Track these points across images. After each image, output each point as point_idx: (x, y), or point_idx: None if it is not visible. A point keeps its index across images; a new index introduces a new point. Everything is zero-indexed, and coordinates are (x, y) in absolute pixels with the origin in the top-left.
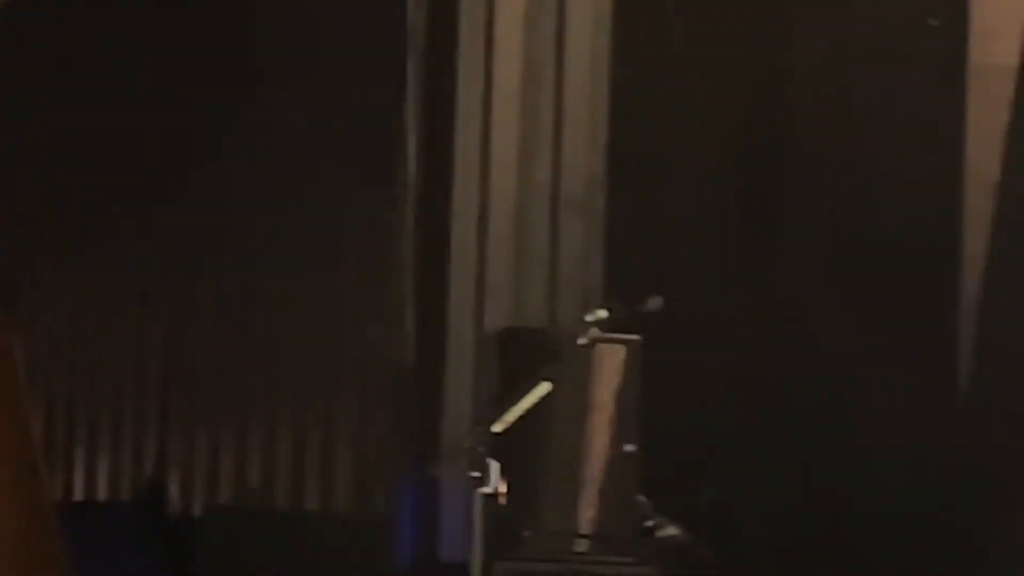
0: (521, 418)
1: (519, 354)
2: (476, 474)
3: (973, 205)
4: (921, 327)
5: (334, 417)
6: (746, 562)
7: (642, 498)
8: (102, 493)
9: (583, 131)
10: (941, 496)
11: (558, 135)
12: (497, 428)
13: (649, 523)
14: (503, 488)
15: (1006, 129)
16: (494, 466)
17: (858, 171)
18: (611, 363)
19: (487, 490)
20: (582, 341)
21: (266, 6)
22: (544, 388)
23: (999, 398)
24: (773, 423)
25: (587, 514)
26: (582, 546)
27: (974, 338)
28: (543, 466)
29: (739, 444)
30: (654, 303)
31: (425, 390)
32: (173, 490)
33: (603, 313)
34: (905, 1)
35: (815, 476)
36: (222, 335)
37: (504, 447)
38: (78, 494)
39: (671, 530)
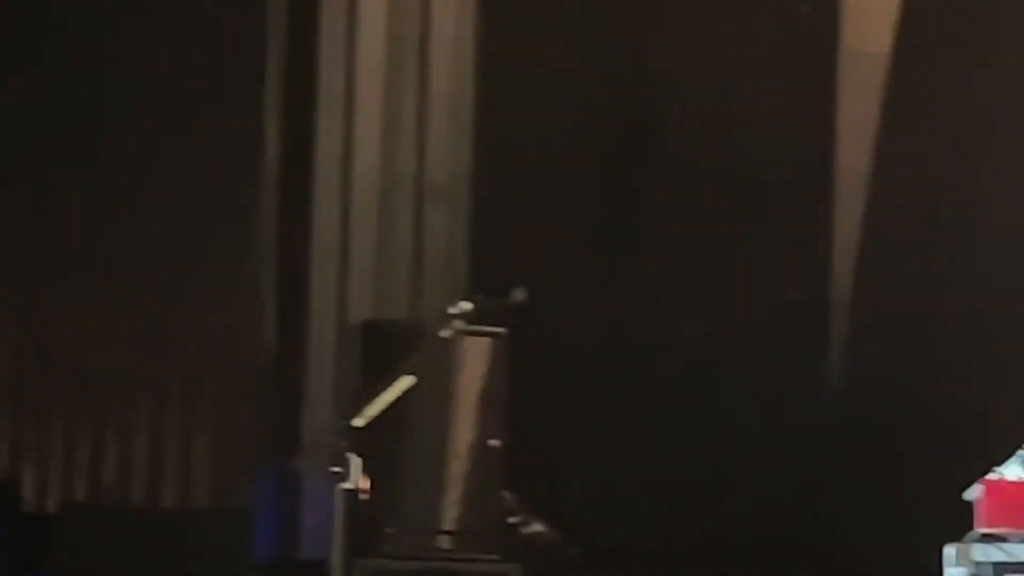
0: (383, 412)
1: (381, 347)
2: (337, 470)
3: (844, 194)
4: (789, 319)
5: (192, 412)
6: (612, 557)
7: (507, 493)
8: None
9: (447, 121)
10: (803, 483)
11: (422, 124)
12: (358, 423)
13: (514, 519)
14: (365, 484)
15: (878, 117)
16: (355, 461)
17: (726, 161)
18: (475, 356)
19: (348, 486)
20: (446, 334)
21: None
22: (407, 382)
23: (866, 388)
24: (639, 417)
25: (451, 510)
26: (445, 543)
27: (844, 329)
28: (405, 461)
29: (605, 439)
30: (519, 295)
31: (286, 384)
32: (27, 487)
33: (467, 305)
34: None
35: (682, 470)
36: (76, 329)
37: (366, 442)
38: None
39: (536, 526)
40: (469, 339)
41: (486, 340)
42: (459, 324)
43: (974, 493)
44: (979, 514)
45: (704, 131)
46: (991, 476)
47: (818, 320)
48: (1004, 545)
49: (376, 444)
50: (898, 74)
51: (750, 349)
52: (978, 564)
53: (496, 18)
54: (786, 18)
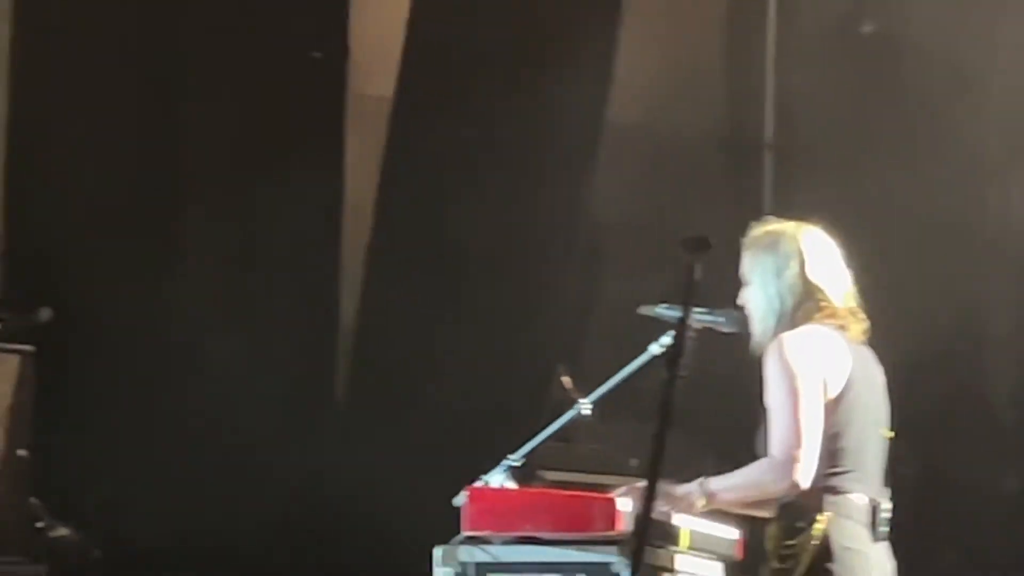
0: None
1: None
2: None
3: (352, 230)
4: (304, 344)
5: None
6: (135, 561)
7: (34, 500)
8: None
9: None
10: (319, 493)
11: None
12: None
13: (40, 524)
14: None
15: (382, 155)
16: None
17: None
18: (3, 372)
19: None
20: None
21: None
22: None
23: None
24: (169, 430)
25: None
26: None
27: (351, 353)
28: None
29: (134, 450)
30: (44, 314)
31: None
32: None
33: None
34: (293, 33)
35: (209, 480)
36: None
37: None
38: None
39: (62, 530)
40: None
41: (14, 356)
42: None
43: (461, 499)
44: (465, 518)
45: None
46: (477, 484)
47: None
48: (487, 547)
49: None
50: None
51: (274, 372)
52: (464, 564)
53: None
54: (301, 61)
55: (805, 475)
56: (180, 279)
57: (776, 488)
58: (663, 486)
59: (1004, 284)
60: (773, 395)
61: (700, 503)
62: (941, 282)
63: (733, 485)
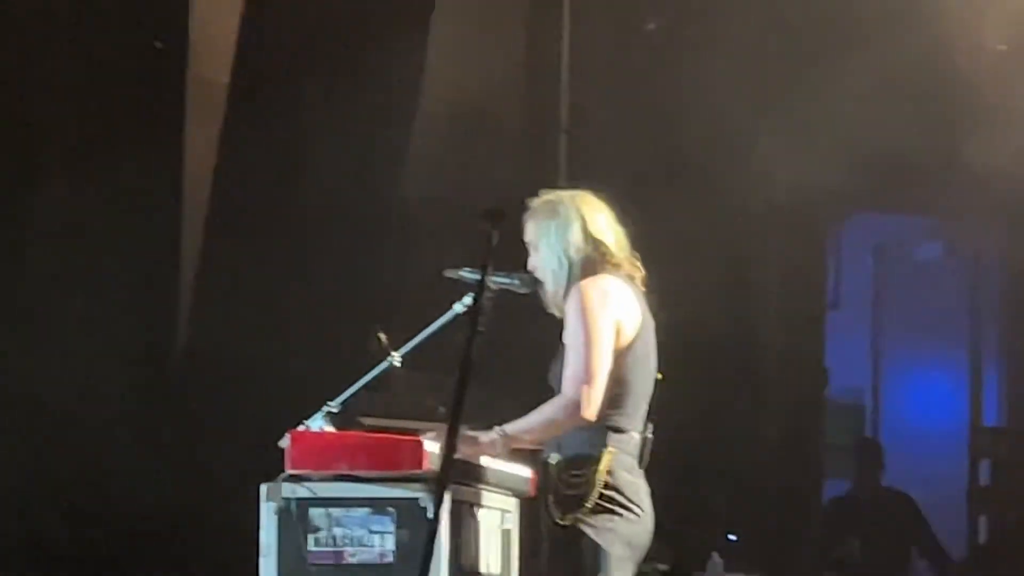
0: None
1: None
2: None
3: (191, 215)
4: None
5: None
6: None
7: None
8: None
9: None
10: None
11: None
12: None
13: None
14: None
15: (219, 139)
16: None
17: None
18: None
19: None
20: None
21: None
22: None
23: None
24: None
25: None
26: None
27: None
28: None
29: None
30: None
31: None
32: None
33: None
34: (133, 19)
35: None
36: None
37: None
38: None
39: None
40: None
41: None
42: None
43: (286, 441)
44: (288, 459)
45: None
46: (300, 428)
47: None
48: (308, 484)
49: None
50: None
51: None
52: (287, 499)
53: None
54: (142, 48)
55: (592, 411)
56: (20, 264)
57: (567, 423)
58: (468, 433)
59: (773, 245)
60: (571, 336)
61: (502, 447)
62: (714, 246)
63: (529, 427)
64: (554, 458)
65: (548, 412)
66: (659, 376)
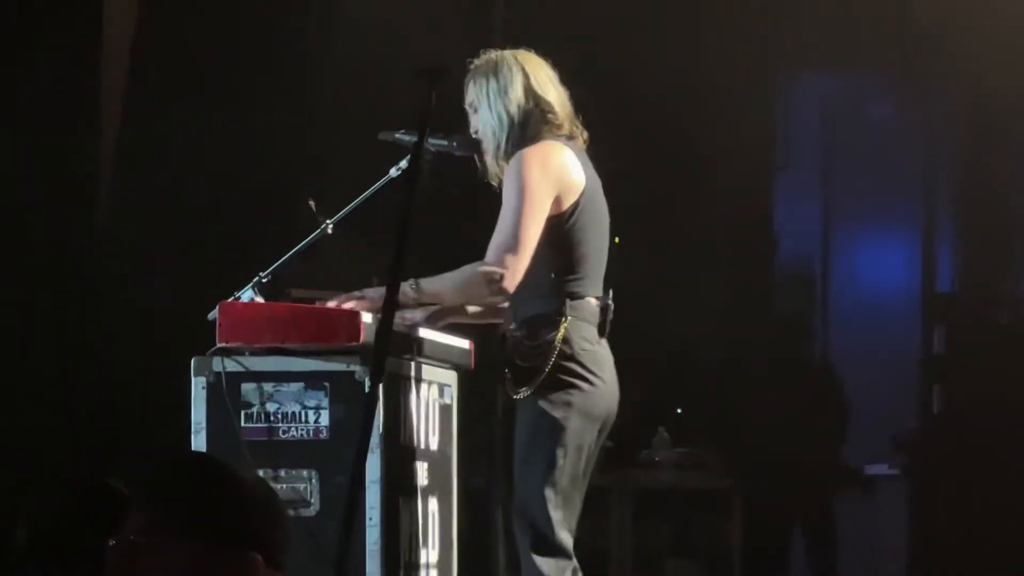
0: None
1: None
2: None
3: (110, 80)
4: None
5: None
6: None
7: None
8: None
9: None
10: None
11: None
12: None
13: None
14: None
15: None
16: None
17: None
18: None
19: None
20: None
21: None
22: None
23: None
24: None
25: None
26: None
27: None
28: None
29: None
30: None
31: None
32: None
33: None
34: None
35: None
36: None
37: None
38: None
39: None
40: None
41: None
42: None
43: (215, 314)
44: (219, 332)
45: None
46: (229, 300)
47: None
48: (238, 358)
49: None
50: None
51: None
52: (216, 374)
53: None
54: None
55: (514, 282)
56: None
57: (482, 292)
58: (377, 291)
59: (721, 106)
60: (505, 201)
61: (413, 299)
62: (659, 109)
63: (443, 287)
64: (511, 330)
65: (466, 274)
66: (616, 240)
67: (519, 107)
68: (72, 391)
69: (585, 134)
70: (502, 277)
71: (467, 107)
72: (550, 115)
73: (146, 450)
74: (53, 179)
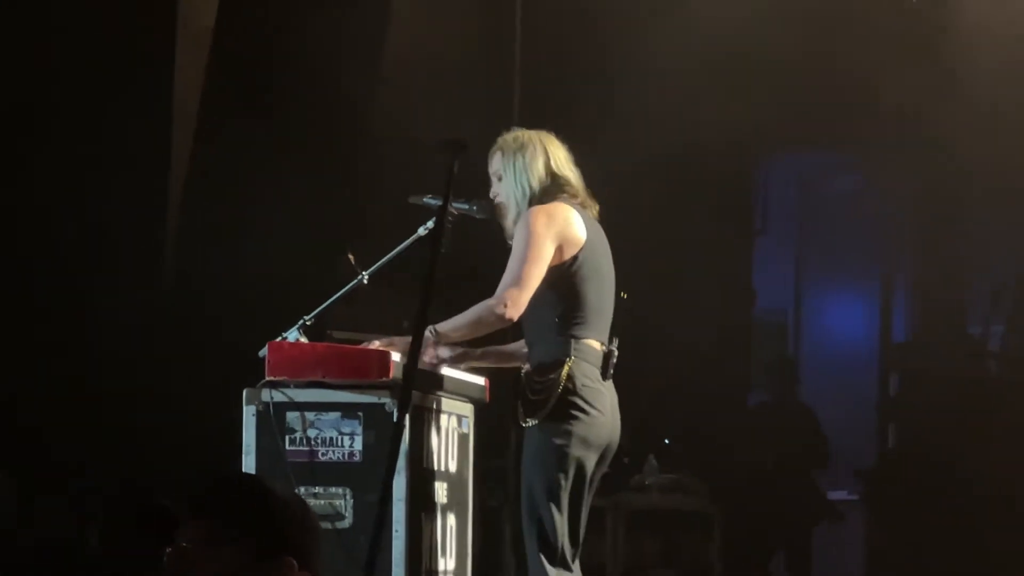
0: None
1: None
2: None
3: (180, 140)
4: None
5: None
6: None
7: None
8: None
9: None
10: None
11: None
12: None
13: None
14: None
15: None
16: None
17: None
18: None
19: None
20: None
21: None
22: None
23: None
24: None
25: None
26: None
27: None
28: None
29: None
30: None
31: None
32: None
33: None
34: None
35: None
36: None
37: None
38: None
39: None
40: None
41: None
42: None
43: (264, 352)
44: (267, 367)
45: None
46: (277, 340)
47: None
48: (284, 390)
49: None
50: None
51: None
52: (265, 403)
53: None
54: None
55: (515, 312)
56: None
57: (492, 321)
58: (403, 340)
59: (706, 178)
60: (513, 249)
61: (432, 342)
62: (651, 182)
63: (457, 325)
64: (526, 369)
65: (476, 310)
66: (623, 295)
67: (539, 181)
68: (142, 418)
69: (597, 206)
70: (506, 307)
71: (491, 174)
72: (567, 187)
73: (200, 469)
74: (131, 227)
